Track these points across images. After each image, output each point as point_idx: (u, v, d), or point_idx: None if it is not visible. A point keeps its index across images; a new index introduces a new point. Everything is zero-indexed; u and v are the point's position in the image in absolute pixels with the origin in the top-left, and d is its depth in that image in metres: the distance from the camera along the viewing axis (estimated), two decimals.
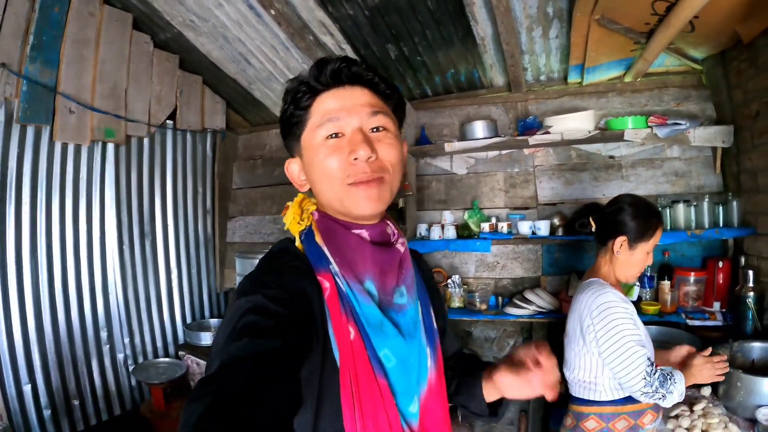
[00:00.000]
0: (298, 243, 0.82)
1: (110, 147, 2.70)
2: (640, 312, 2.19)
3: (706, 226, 2.24)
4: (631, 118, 2.32)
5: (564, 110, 2.55)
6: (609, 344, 1.44)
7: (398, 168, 0.80)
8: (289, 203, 0.87)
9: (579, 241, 2.47)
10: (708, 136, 2.27)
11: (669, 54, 2.37)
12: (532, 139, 2.45)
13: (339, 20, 2.43)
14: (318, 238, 0.79)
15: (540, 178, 2.70)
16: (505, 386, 0.86)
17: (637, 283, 2.33)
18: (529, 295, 2.48)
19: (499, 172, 2.80)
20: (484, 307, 2.60)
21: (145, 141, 2.92)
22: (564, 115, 2.44)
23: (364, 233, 0.78)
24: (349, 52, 2.64)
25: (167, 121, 3.03)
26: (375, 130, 0.78)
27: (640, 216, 1.57)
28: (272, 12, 2.35)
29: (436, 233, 2.68)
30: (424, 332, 0.83)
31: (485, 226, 2.61)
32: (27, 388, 2.28)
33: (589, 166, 2.62)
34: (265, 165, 3.51)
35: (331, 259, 0.76)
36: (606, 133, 2.37)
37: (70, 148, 2.50)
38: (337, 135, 0.76)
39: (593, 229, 1.71)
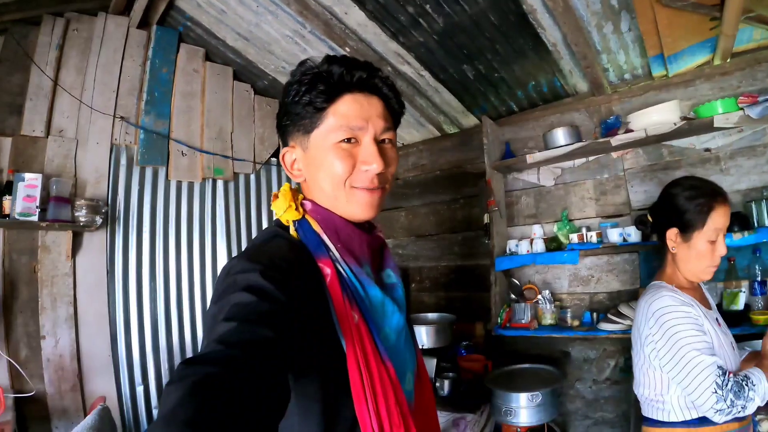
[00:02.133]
0: (292, 231, 0.90)
1: (219, 183, 3.39)
2: (750, 323, 2.20)
3: None
4: (719, 102, 2.35)
5: (649, 106, 2.63)
6: (670, 356, 1.41)
7: (394, 176, 0.97)
8: (277, 192, 0.95)
9: None
10: None
11: (753, 24, 2.31)
12: (615, 140, 2.62)
13: (412, 49, 2.87)
14: (315, 226, 0.89)
15: (631, 182, 2.83)
16: None
17: (744, 290, 2.32)
18: (623, 309, 2.58)
19: (588, 180, 3.00)
20: (576, 323, 2.77)
21: (252, 177, 3.60)
22: (645, 110, 2.56)
23: (348, 221, 0.93)
24: (429, 78, 3.09)
25: (271, 158, 3.73)
26: (382, 141, 0.94)
27: (687, 199, 1.51)
28: (347, 50, 2.90)
29: (524, 248, 2.93)
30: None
31: (573, 237, 2.81)
32: (140, 390, 2.89)
33: (684, 162, 2.67)
34: None
35: (331, 246, 0.87)
36: (693, 123, 2.41)
37: (184, 186, 3.21)
38: (350, 140, 0.90)
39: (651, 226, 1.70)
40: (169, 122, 3.18)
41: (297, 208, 0.92)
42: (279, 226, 0.93)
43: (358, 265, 0.88)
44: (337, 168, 0.89)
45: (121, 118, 2.98)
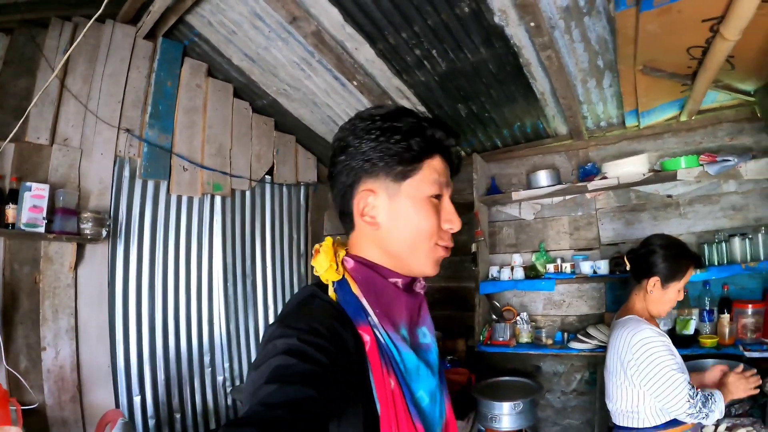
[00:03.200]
0: (331, 292, 0.87)
1: (218, 199, 3.49)
2: (698, 345, 2.62)
3: (762, 258, 2.60)
4: (683, 158, 2.77)
5: (622, 154, 3.04)
6: (651, 376, 1.72)
7: None
8: (319, 246, 0.92)
9: None
10: (760, 169, 2.62)
11: (719, 90, 2.73)
12: (591, 185, 3.02)
13: (413, 86, 3.15)
14: (355, 289, 0.86)
15: (602, 220, 3.25)
16: None
17: (694, 317, 2.74)
18: (591, 331, 2.96)
19: (564, 216, 3.39)
20: (549, 342, 3.14)
21: (248, 194, 3.73)
22: (619, 161, 2.96)
23: (399, 282, 0.90)
24: (424, 112, 3.41)
25: (266, 176, 3.88)
26: None
27: (671, 258, 1.86)
28: (355, 83, 3.12)
29: (505, 274, 3.27)
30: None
31: (550, 267, 3.17)
32: (137, 400, 2.95)
33: (648, 206, 3.10)
34: None
35: (370, 311, 0.85)
36: (660, 174, 2.83)
37: (184, 200, 3.29)
38: (438, 197, 0.90)
39: (627, 268, 2.03)
40: (172, 136, 3.25)
41: (337, 268, 0.89)
42: (317, 284, 0.91)
43: (394, 330, 0.86)
44: (430, 221, 0.88)
45: (126, 130, 3.02)
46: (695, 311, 2.83)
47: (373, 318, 0.85)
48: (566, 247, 3.39)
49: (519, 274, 3.26)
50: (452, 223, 0.91)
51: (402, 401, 0.81)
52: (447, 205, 0.92)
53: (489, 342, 3.24)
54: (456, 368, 3.21)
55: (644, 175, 2.92)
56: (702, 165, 2.75)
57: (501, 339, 3.23)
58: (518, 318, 3.31)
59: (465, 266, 3.56)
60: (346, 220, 0.97)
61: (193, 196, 3.35)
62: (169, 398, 3.14)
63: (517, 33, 2.60)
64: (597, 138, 3.35)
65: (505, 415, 2.71)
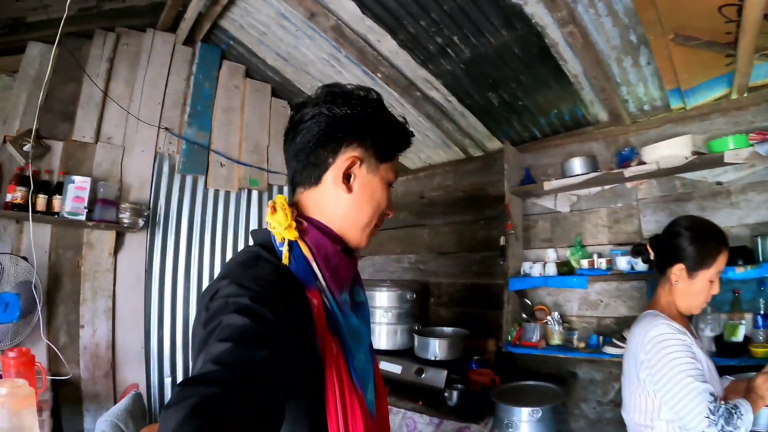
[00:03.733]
0: (285, 252, 0.88)
1: (254, 193, 3.67)
2: (749, 355, 2.27)
3: None
4: (731, 138, 2.45)
5: (664, 138, 2.74)
6: (665, 380, 1.46)
7: None
8: (273, 202, 0.90)
9: None
10: None
11: (766, 60, 2.37)
12: (628, 171, 2.76)
13: (440, 75, 3.07)
14: (306, 252, 0.90)
15: (644, 211, 2.95)
16: None
17: (744, 322, 2.38)
18: (627, 334, 2.73)
19: (603, 208, 3.12)
20: (582, 345, 2.88)
21: (285, 189, 3.86)
22: (658, 144, 2.69)
23: (341, 248, 0.97)
24: (456, 103, 3.29)
25: None
26: None
27: (698, 240, 1.60)
28: (379, 75, 3.13)
29: (537, 270, 3.08)
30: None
31: (584, 263, 2.94)
32: (167, 381, 3.13)
33: (695, 194, 2.77)
34: None
35: (319, 275, 0.89)
36: (705, 157, 2.52)
37: (221, 194, 3.49)
38: (390, 187, 1.05)
39: (651, 257, 1.78)
40: (210, 134, 3.47)
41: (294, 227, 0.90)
42: (261, 244, 0.92)
43: (340, 293, 0.93)
44: (385, 203, 1.02)
45: (166, 128, 3.26)
46: (748, 316, 2.46)
47: (322, 282, 0.89)
48: (604, 242, 3.12)
49: (551, 270, 3.05)
50: (392, 210, 1.05)
51: (345, 366, 0.86)
52: (391, 196, 1.06)
53: (518, 342, 3.07)
54: (480, 369, 3.07)
55: (686, 158, 2.60)
56: (752, 145, 2.40)
57: (530, 340, 3.04)
58: (549, 318, 3.10)
59: (497, 262, 3.41)
60: (310, 173, 0.98)
61: (229, 191, 3.54)
62: None
63: (537, 11, 2.47)
64: (640, 123, 3.06)
65: (523, 422, 2.48)
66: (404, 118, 1.07)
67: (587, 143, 3.27)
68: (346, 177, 0.96)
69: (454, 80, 3.14)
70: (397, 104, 3.47)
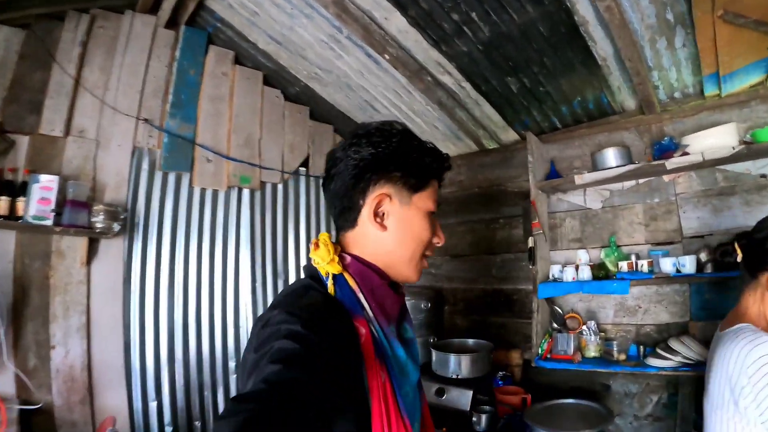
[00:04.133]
0: (330, 284, 0.95)
1: (245, 192, 3.37)
2: None
3: None
4: None
5: (702, 127, 2.60)
6: None
7: None
8: (317, 240, 1.01)
9: (732, 278, 2.38)
10: None
11: None
12: (670, 163, 2.56)
13: (454, 58, 2.84)
14: (352, 284, 0.96)
15: (684, 207, 2.75)
16: None
17: None
18: (674, 344, 2.47)
19: (638, 204, 2.92)
20: (622, 357, 2.66)
21: (279, 187, 3.59)
22: (702, 132, 2.52)
23: (387, 283, 1.03)
24: (470, 90, 3.06)
25: (300, 168, 3.73)
26: None
27: None
28: (387, 56, 2.86)
29: (569, 274, 2.85)
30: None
31: (623, 265, 2.72)
32: (153, 405, 2.82)
33: (739, 188, 2.60)
34: None
35: (366, 305, 0.94)
36: (753, 147, 2.37)
37: (208, 193, 3.18)
38: (433, 215, 1.07)
39: (739, 259, 1.59)
40: (195, 126, 3.17)
41: (338, 262, 0.98)
42: (311, 276, 0.99)
43: (388, 326, 0.97)
44: (429, 232, 1.05)
45: (145, 120, 2.96)
46: None
47: (369, 313, 0.94)
48: (641, 241, 2.90)
49: (585, 273, 2.82)
50: (441, 238, 1.10)
51: (392, 396, 0.89)
52: (436, 222, 1.09)
53: (549, 356, 2.82)
54: (507, 386, 2.82)
55: (734, 148, 2.41)
56: None
57: (563, 352, 2.80)
58: (584, 327, 2.86)
59: (520, 265, 3.19)
60: (347, 217, 1.04)
61: (218, 189, 3.24)
62: (189, 405, 3.00)
63: None
64: (671, 111, 2.86)
65: None
66: (433, 144, 1.09)
67: (617, 133, 3.07)
68: (379, 215, 1.02)
69: (470, 63, 2.89)
70: (404, 92, 3.23)
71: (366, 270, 1.00)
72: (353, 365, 0.86)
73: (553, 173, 3.11)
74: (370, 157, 1.00)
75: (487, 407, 2.62)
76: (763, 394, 1.28)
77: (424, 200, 1.04)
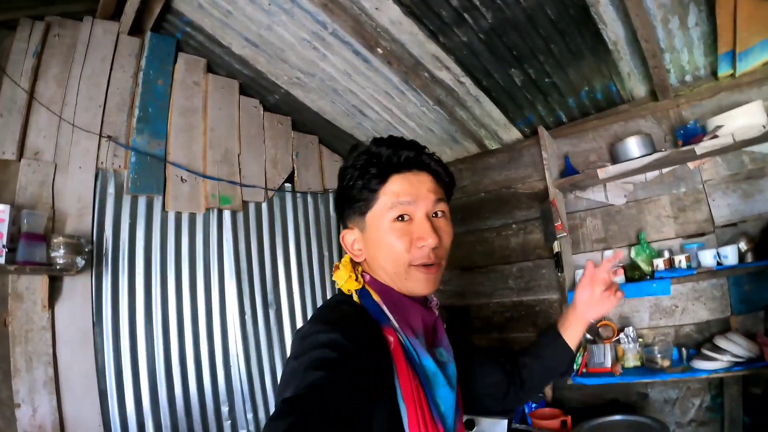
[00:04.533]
0: (355, 297, 1.02)
1: (226, 214, 3.10)
2: None
3: None
4: None
5: (723, 109, 2.51)
6: None
7: (449, 249, 1.08)
8: (338, 263, 1.10)
9: None
10: None
11: None
12: (700, 148, 2.43)
13: (453, 51, 2.68)
14: (375, 297, 1.01)
15: (713, 195, 2.64)
16: (583, 303, 1.26)
17: None
18: (721, 343, 2.33)
19: (664, 195, 2.79)
20: (666, 363, 2.48)
21: (263, 206, 3.33)
22: (729, 112, 2.41)
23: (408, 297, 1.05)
24: (470, 85, 2.91)
25: (285, 184, 3.49)
26: (435, 215, 1.05)
27: None
28: (380, 51, 2.67)
29: None
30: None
31: (659, 263, 2.56)
32: None
33: None
34: None
35: (390, 316, 0.98)
36: None
37: (184, 217, 2.90)
38: (403, 218, 1.01)
39: None
40: (166, 143, 2.90)
41: (357, 279, 1.04)
42: (339, 294, 1.08)
43: (414, 336, 0.98)
44: (396, 246, 1.01)
45: (109, 137, 2.69)
46: None
47: (394, 323, 0.97)
48: (671, 235, 2.75)
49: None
50: (424, 239, 1.00)
51: (425, 399, 0.92)
52: (419, 221, 1.02)
53: (585, 370, 2.62)
54: (542, 409, 2.60)
55: (765, 127, 2.30)
56: None
57: (600, 365, 2.60)
58: (621, 335, 2.67)
59: (540, 273, 3.01)
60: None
61: (195, 212, 2.96)
62: None
63: None
64: (685, 95, 2.77)
65: None
66: (369, 145, 1.09)
67: (632, 122, 2.95)
68: (353, 249, 1.11)
69: (470, 55, 2.73)
70: (396, 93, 3.07)
71: (384, 286, 1.04)
72: (386, 370, 0.90)
73: (569, 169, 2.96)
74: (336, 199, 1.14)
75: None
76: None
77: (378, 215, 1.03)
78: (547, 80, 2.85)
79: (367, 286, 1.04)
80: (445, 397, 0.97)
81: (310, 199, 3.68)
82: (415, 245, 1.00)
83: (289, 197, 3.52)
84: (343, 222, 1.13)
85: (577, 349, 1.33)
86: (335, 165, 3.85)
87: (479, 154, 3.60)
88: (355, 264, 1.10)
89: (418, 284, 1.02)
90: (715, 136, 2.43)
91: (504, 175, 3.47)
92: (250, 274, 3.20)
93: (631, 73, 2.75)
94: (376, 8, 2.48)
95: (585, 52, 2.64)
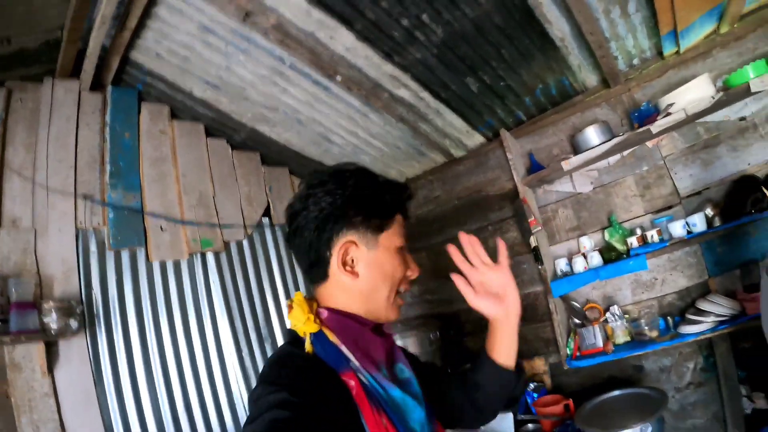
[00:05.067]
0: (308, 345, 0.99)
1: (210, 256, 3.15)
2: None
3: None
4: (751, 66, 2.40)
5: (673, 86, 2.69)
6: None
7: None
8: (291, 301, 1.04)
9: (740, 226, 2.48)
10: None
11: None
12: (655, 127, 2.61)
13: (409, 68, 2.83)
14: (333, 338, 0.99)
15: (674, 168, 2.84)
16: (487, 309, 1.19)
17: None
18: (704, 305, 2.51)
19: (629, 176, 2.98)
20: (655, 334, 2.65)
21: (245, 243, 3.40)
22: (678, 90, 2.59)
23: (370, 327, 1.06)
24: (429, 99, 3.06)
25: (263, 219, 3.57)
26: None
27: None
28: (338, 78, 2.81)
29: (579, 265, 2.85)
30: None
31: (632, 241, 2.73)
32: None
33: (722, 136, 2.71)
34: None
35: (351, 357, 0.97)
36: (731, 93, 2.45)
37: (169, 265, 2.95)
38: (403, 249, 1.10)
39: None
40: (141, 194, 2.95)
41: (315, 320, 1.00)
42: (290, 342, 1.04)
43: (377, 370, 0.99)
44: (399, 273, 1.07)
45: (84, 196, 2.74)
46: None
47: (355, 363, 0.97)
48: (640, 213, 2.95)
49: (596, 260, 2.82)
50: (414, 271, 1.13)
51: None
52: (407, 255, 1.12)
53: (579, 353, 2.77)
54: (543, 397, 2.73)
55: (713, 98, 2.50)
56: None
57: (592, 346, 2.76)
58: (608, 315, 2.85)
59: (522, 269, 3.16)
60: (317, 272, 1.08)
61: (179, 259, 3.01)
62: None
63: None
64: (635, 78, 2.99)
65: None
66: (388, 178, 1.13)
67: (589, 111, 3.15)
68: (348, 263, 1.05)
69: (425, 71, 2.89)
70: (359, 116, 3.20)
71: (344, 320, 1.03)
72: (349, 418, 0.89)
73: (535, 166, 3.14)
74: (329, 207, 1.03)
75: (530, 426, 2.53)
76: None
77: (391, 238, 1.07)
78: (502, 84, 3.02)
79: (323, 329, 1.00)
80: (418, 417, 1.00)
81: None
82: (406, 274, 1.10)
83: (268, 231, 3.61)
84: (333, 230, 1.04)
85: (519, 364, 1.24)
86: None
87: (447, 163, 3.75)
88: (310, 302, 1.05)
89: (395, 311, 1.09)
90: (669, 114, 2.62)
91: (473, 181, 3.63)
92: (242, 312, 3.26)
93: (581, 65, 2.93)
94: (331, 37, 2.61)
95: (535, 52, 2.81)
